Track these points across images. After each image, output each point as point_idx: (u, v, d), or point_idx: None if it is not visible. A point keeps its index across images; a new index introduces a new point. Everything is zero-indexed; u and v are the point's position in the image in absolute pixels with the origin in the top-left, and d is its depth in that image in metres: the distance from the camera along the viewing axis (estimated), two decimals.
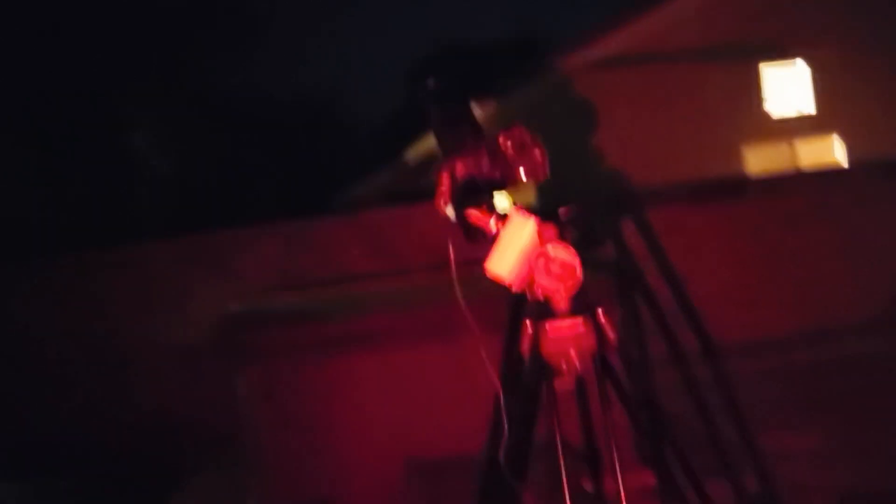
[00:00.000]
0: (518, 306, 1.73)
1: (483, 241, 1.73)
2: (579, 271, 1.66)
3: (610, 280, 2.64)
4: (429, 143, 12.40)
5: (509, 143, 1.67)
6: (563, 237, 1.67)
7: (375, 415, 3.86)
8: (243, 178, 15.00)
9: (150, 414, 5.75)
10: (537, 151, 1.69)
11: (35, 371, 5.81)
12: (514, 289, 1.70)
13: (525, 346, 1.68)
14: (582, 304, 1.69)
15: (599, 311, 1.69)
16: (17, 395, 5.69)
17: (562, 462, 1.60)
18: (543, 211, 1.73)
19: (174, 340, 6.01)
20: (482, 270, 1.80)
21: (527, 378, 1.69)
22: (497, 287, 1.74)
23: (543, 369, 1.66)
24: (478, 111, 1.88)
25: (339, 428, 3.83)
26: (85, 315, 5.95)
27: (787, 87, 9.59)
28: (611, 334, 1.69)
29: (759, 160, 9.48)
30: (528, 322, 1.69)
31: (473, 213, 1.71)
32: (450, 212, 1.70)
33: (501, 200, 1.73)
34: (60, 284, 5.95)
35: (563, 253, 1.66)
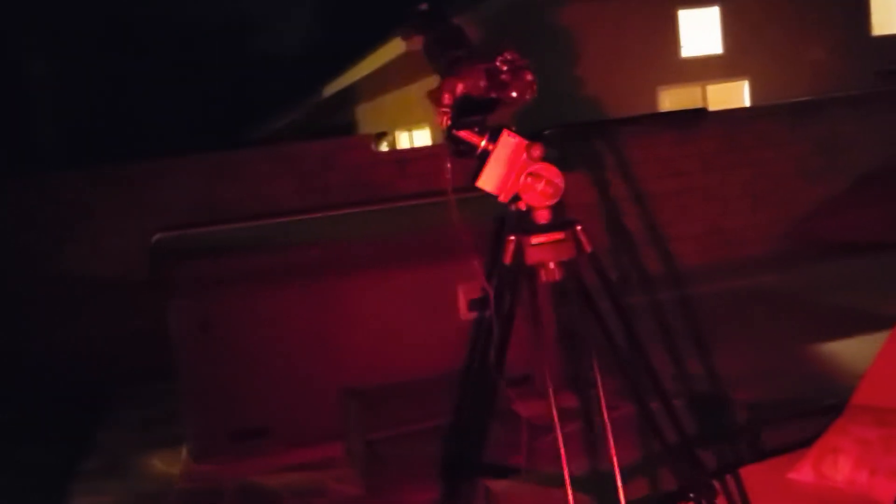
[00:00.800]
0: (501, 221, 1.83)
1: (471, 157, 1.80)
2: (562, 188, 1.77)
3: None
4: (345, 79, 12.20)
5: (504, 66, 1.73)
6: (547, 156, 1.77)
7: (309, 344, 3.89)
8: (157, 109, 14.40)
9: (71, 348, 5.60)
10: (528, 74, 1.77)
11: None
12: (502, 200, 1.80)
13: (508, 257, 1.78)
14: (562, 218, 1.80)
15: (578, 226, 1.81)
16: None
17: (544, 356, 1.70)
18: (529, 132, 1.82)
19: (91, 273, 5.83)
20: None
21: (507, 286, 1.79)
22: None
23: (525, 273, 1.78)
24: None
25: (272, 358, 3.84)
26: None
27: (702, 32, 9.88)
28: (587, 247, 1.81)
29: (672, 102, 9.80)
30: (511, 236, 1.79)
31: (465, 131, 1.78)
32: (446, 129, 1.76)
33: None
34: None
35: (548, 170, 1.77)
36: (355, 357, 3.89)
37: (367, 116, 14.18)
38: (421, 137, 11.35)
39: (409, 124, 11.89)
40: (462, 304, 4.02)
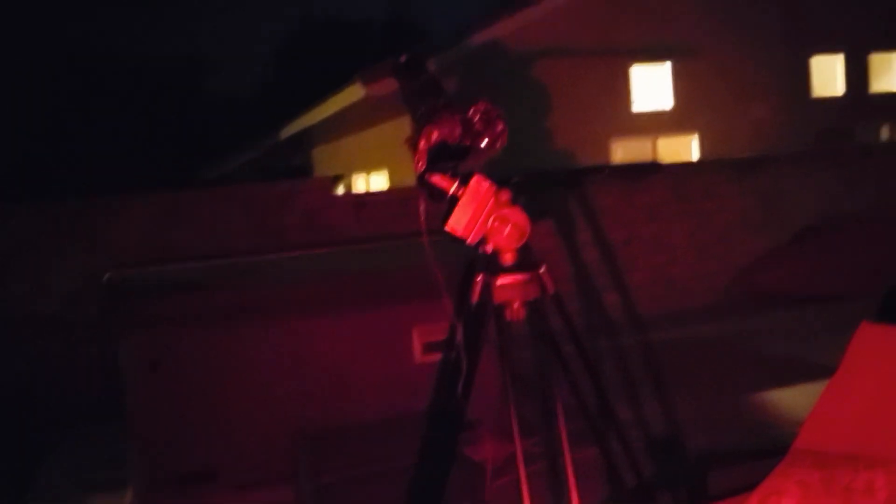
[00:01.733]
0: (470, 262, 1.89)
1: (443, 202, 1.87)
2: (528, 231, 1.84)
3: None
4: (302, 121, 12.28)
5: (478, 115, 1.82)
6: (515, 201, 1.85)
7: (260, 386, 3.85)
8: (111, 147, 14.23)
9: (11, 387, 5.43)
10: (500, 124, 1.85)
11: None
12: (470, 242, 1.87)
13: (475, 296, 1.84)
14: (527, 260, 1.88)
15: (542, 268, 1.88)
16: None
17: (510, 395, 1.75)
18: (499, 178, 1.90)
19: (35, 310, 5.70)
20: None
21: (476, 322, 1.85)
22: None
23: (492, 312, 1.84)
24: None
25: (223, 399, 3.79)
26: None
27: (654, 88, 10.24)
28: (550, 288, 1.88)
29: (624, 153, 10.08)
30: (479, 275, 1.85)
31: (437, 176, 1.85)
32: (420, 174, 1.84)
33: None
34: None
35: (515, 215, 1.85)
36: (307, 399, 3.87)
37: (323, 159, 14.24)
38: (377, 181, 11.44)
39: (366, 168, 11.97)
40: (417, 346, 4.05)
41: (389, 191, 8.44)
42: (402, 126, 10.15)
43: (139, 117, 15.57)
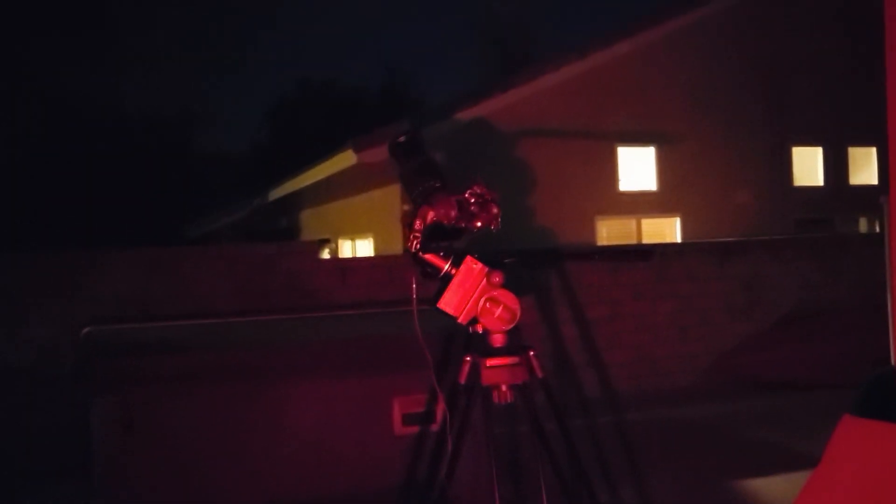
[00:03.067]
0: (459, 341, 1.89)
1: (436, 280, 1.88)
2: (518, 314, 1.85)
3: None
4: (291, 184, 12.36)
5: (473, 198, 1.85)
6: (506, 283, 1.87)
7: (234, 451, 3.77)
8: (98, 202, 14.20)
9: None
10: (494, 207, 1.89)
11: None
12: (461, 322, 1.87)
13: (463, 376, 1.83)
14: (517, 343, 1.88)
15: (530, 352, 1.88)
16: None
17: (494, 476, 1.73)
18: (491, 259, 1.91)
19: (8, 362, 5.59)
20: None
21: (463, 403, 1.84)
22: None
23: (479, 395, 1.82)
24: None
25: (196, 463, 3.71)
26: None
27: (639, 169, 10.43)
28: (538, 372, 1.88)
29: (609, 232, 10.19)
30: (467, 356, 1.85)
31: (432, 256, 1.87)
32: (414, 252, 1.86)
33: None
34: None
35: (506, 297, 1.85)
36: (282, 468, 3.79)
37: (311, 222, 14.28)
38: (364, 247, 11.46)
39: (353, 233, 12.01)
40: (397, 418, 3.99)
41: (375, 257, 8.47)
42: (389, 193, 10.26)
43: (126, 173, 15.61)
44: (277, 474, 3.81)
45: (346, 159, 8.97)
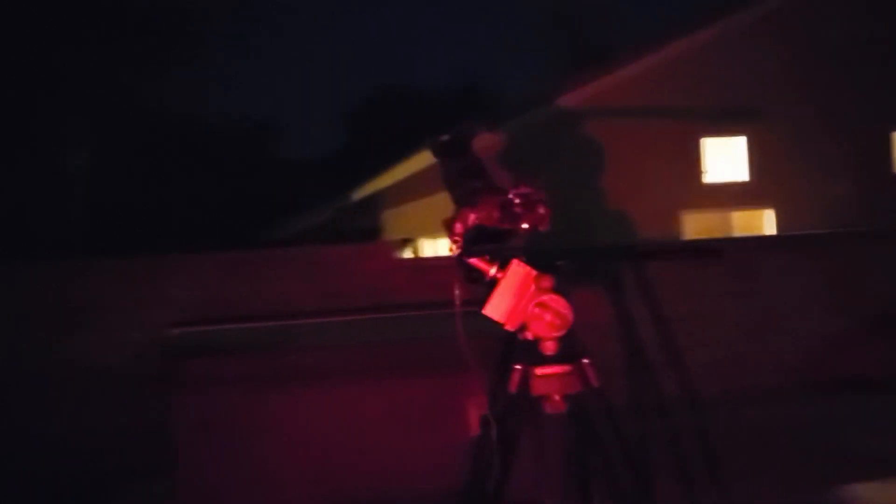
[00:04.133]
0: (509, 349, 1.82)
1: (482, 285, 1.82)
2: (570, 320, 1.76)
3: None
4: (373, 184, 12.49)
5: (518, 199, 1.77)
6: (557, 287, 1.78)
7: (311, 450, 3.83)
8: (184, 206, 14.71)
9: (71, 438, 5.51)
10: (541, 207, 1.81)
11: None
12: (508, 329, 1.80)
13: (513, 385, 1.76)
14: (569, 351, 1.79)
15: (584, 360, 1.79)
16: None
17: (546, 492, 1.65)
18: (541, 262, 1.84)
19: (100, 363, 5.81)
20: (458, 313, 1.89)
21: (512, 416, 1.76)
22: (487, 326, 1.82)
23: (529, 408, 1.75)
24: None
25: (272, 462, 3.78)
26: (12, 331, 5.70)
27: (727, 159, 10.06)
28: (594, 381, 1.79)
29: (696, 227, 9.87)
30: (517, 365, 1.78)
31: (477, 259, 1.81)
32: (458, 256, 1.80)
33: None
34: None
35: (556, 303, 1.77)
36: (355, 467, 3.81)
37: (393, 222, 14.40)
38: (445, 246, 11.46)
39: (434, 233, 12.05)
40: (473, 419, 3.95)
41: (453, 257, 8.38)
42: None
43: (213, 178, 16.13)
44: (352, 474, 3.83)
45: (423, 159, 8.99)
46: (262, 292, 6.12)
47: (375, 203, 13.54)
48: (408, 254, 10.89)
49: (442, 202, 7.49)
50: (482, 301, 1.83)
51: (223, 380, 3.81)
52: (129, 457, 5.28)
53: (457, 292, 1.82)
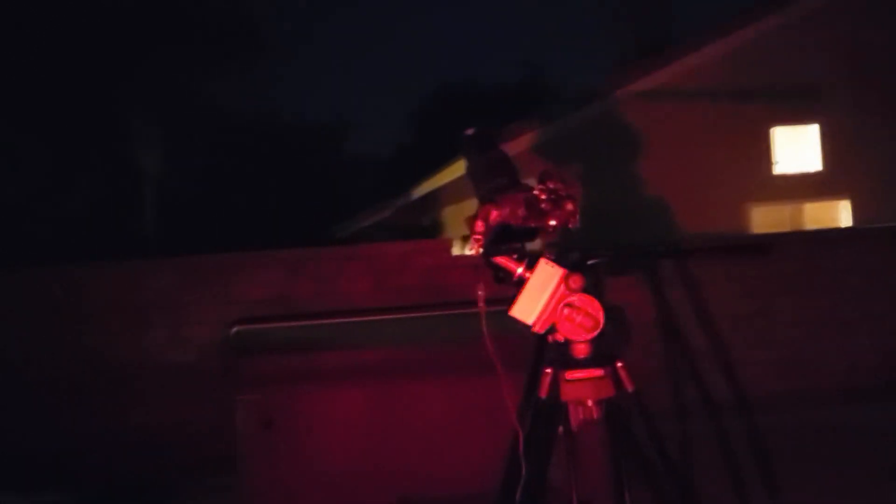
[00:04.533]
0: (540, 351, 1.76)
1: (510, 285, 1.76)
2: (602, 322, 1.69)
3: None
4: (434, 181, 12.49)
5: (544, 195, 1.71)
6: (588, 288, 1.71)
7: (370, 449, 3.82)
8: (249, 204, 15.01)
9: (144, 433, 5.69)
10: (570, 204, 1.74)
11: (30, 383, 5.75)
12: (537, 331, 1.73)
13: (544, 390, 1.70)
14: (602, 354, 1.72)
15: (618, 363, 1.73)
16: (10, 407, 5.62)
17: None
18: (571, 261, 1.77)
19: (171, 359, 5.97)
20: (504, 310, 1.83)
21: (544, 421, 1.71)
22: (519, 327, 1.76)
23: (560, 414, 1.69)
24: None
25: (332, 460, 3.79)
26: (82, 328, 5.91)
27: (798, 149, 9.71)
28: (629, 385, 1.72)
29: (765, 219, 9.56)
30: (547, 368, 1.72)
31: (503, 258, 1.75)
32: (482, 255, 1.74)
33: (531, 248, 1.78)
34: (58, 296, 5.91)
35: (587, 304, 1.70)
36: (413, 465, 3.79)
37: (452, 219, 14.39)
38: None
39: None
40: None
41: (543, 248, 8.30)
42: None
43: (280, 178, 16.41)
44: (409, 472, 3.82)
45: None
46: (323, 290, 6.19)
47: (437, 199, 13.55)
48: (468, 250, 10.83)
49: None
50: (511, 302, 1.76)
51: (283, 377, 3.84)
52: (195, 451, 5.42)
53: (480, 293, 1.76)
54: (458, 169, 9.88)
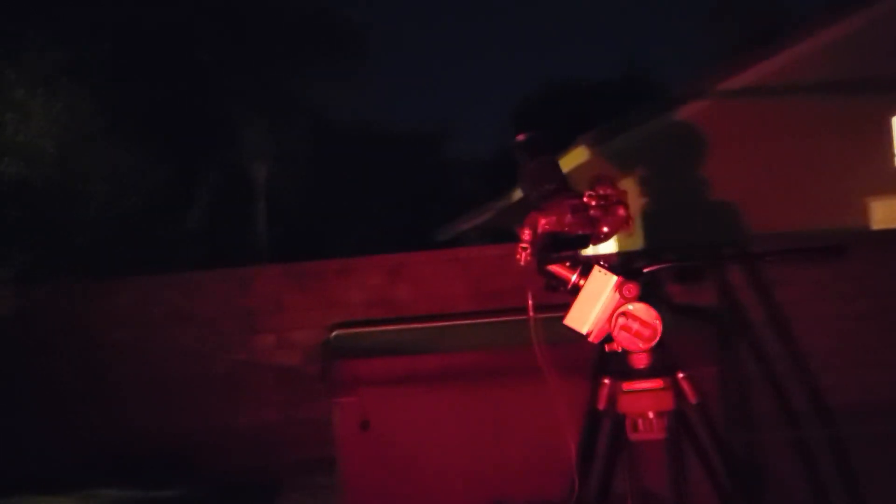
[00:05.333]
0: (600, 361, 1.73)
1: (566, 293, 1.74)
2: (659, 331, 1.65)
3: (707, 335, 2.58)
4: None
5: (594, 201, 1.69)
6: (645, 296, 1.67)
7: (465, 452, 3.85)
8: (354, 211, 15.35)
9: (253, 432, 5.95)
10: (621, 209, 1.71)
11: (149, 383, 6.11)
12: (592, 341, 1.71)
13: (602, 401, 1.67)
14: (662, 364, 1.68)
15: (679, 374, 1.67)
16: (131, 407, 6.00)
17: None
18: (627, 268, 1.74)
19: (278, 361, 6.21)
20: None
21: (605, 433, 1.68)
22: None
23: (619, 427, 1.65)
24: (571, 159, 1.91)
25: (427, 463, 3.83)
26: (193, 331, 6.23)
27: None
28: (692, 397, 1.66)
29: (886, 214, 9.00)
30: (605, 379, 1.69)
31: (557, 266, 1.73)
32: (530, 264, 1.73)
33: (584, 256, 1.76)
34: (171, 301, 6.26)
35: (643, 312, 1.67)
36: (507, 469, 3.79)
37: None
38: (604, 244, 11.21)
39: None
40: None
41: (611, 254, 8.19)
42: (627, 187, 9.84)
43: (383, 184, 16.71)
44: (504, 476, 3.82)
45: (579, 155, 8.85)
46: (421, 293, 6.30)
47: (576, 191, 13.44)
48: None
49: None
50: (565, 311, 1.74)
51: (379, 380, 3.91)
52: (302, 450, 5.61)
53: (529, 302, 1.74)
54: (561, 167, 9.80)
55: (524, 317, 5.00)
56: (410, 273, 6.42)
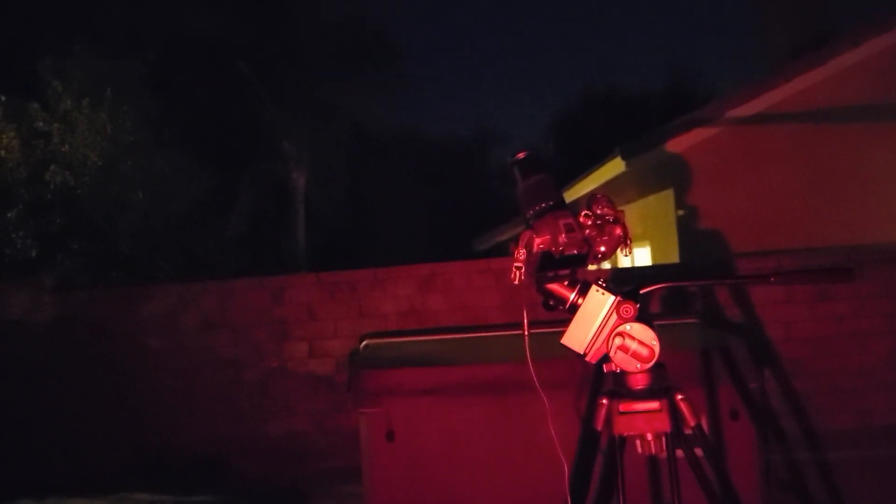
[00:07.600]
0: (597, 381, 1.70)
1: (565, 312, 1.70)
2: (657, 352, 1.60)
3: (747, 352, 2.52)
4: (569, 193, 12.31)
5: (589, 220, 1.65)
6: (643, 316, 1.63)
7: (490, 463, 3.81)
8: (395, 219, 15.41)
9: (284, 440, 5.99)
10: (618, 229, 1.67)
11: (179, 388, 6.19)
12: (589, 360, 1.67)
13: (599, 422, 1.63)
14: (660, 385, 1.63)
15: (678, 395, 1.62)
16: (157, 408, 6.08)
17: None
18: (624, 288, 1.70)
19: (310, 370, 6.24)
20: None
21: (602, 453, 1.64)
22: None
23: (616, 447, 1.61)
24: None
25: (454, 474, 3.80)
26: (226, 339, 6.29)
27: None
28: (690, 419, 1.61)
29: None
30: (603, 399, 1.64)
31: (555, 285, 1.70)
32: (525, 283, 1.70)
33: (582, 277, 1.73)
34: (205, 308, 6.33)
35: (641, 333, 1.63)
36: (533, 481, 3.73)
37: None
38: (641, 255, 11.06)
39: (632, 241, 11.62)
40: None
41: (646, 267, 8.09)
42: (663, 199, 9.72)
43: (424, 193, 16.76)
44: (528, 488, 3.76)
45: (615, 167, 8.74)
46: (453, 304, 6.27)
47: (574, 211, 13.36)
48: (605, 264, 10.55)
49: (638, 209, 7.14)
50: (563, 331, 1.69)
51: (405, 391, 3.89)
52: (332, 459, 5.63)
53: (525, 321, 1.71)
54: (597, 178, 9.69)
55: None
56: (443, 283, 6.40)
